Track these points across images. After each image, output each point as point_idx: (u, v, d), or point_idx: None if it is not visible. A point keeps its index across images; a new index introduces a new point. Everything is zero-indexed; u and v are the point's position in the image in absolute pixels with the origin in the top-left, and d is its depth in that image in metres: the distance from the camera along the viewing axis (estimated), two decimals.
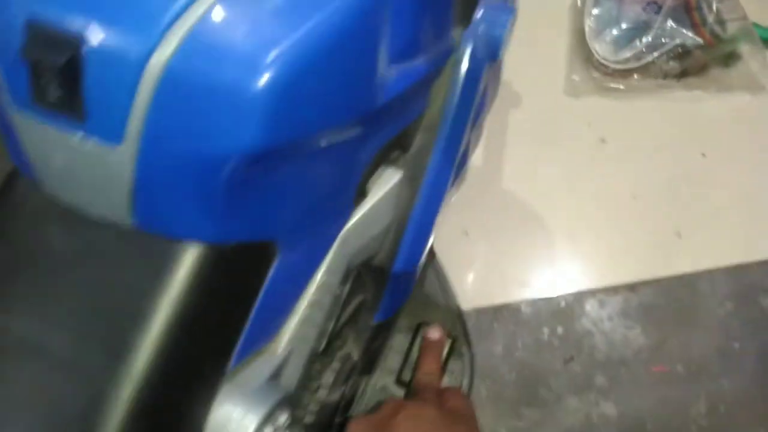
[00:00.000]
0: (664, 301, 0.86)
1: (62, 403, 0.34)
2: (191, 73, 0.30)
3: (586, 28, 0.98)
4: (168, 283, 0.35)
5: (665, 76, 0.97)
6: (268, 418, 0.40)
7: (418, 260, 0.58)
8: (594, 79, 0.98)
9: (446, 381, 0.73)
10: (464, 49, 0.49)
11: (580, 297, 0.87)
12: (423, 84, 0.47)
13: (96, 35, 0.30)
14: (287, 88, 0.31)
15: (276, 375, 0.45)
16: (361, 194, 0.50)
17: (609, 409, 0.82)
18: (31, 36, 0.30)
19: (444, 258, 0.84)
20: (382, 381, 0.73)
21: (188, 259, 0.35)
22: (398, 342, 0.74)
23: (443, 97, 0.51)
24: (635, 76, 0.97)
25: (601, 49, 0.97)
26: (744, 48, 0.97)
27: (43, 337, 0.36)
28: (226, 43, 0.30)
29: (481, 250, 0.89)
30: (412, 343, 0.73)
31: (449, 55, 0.50)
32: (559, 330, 0.86)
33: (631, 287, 0.87)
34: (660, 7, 0.96)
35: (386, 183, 0.51)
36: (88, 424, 0.33)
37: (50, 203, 0.36)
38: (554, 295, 0.87)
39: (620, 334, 0.85)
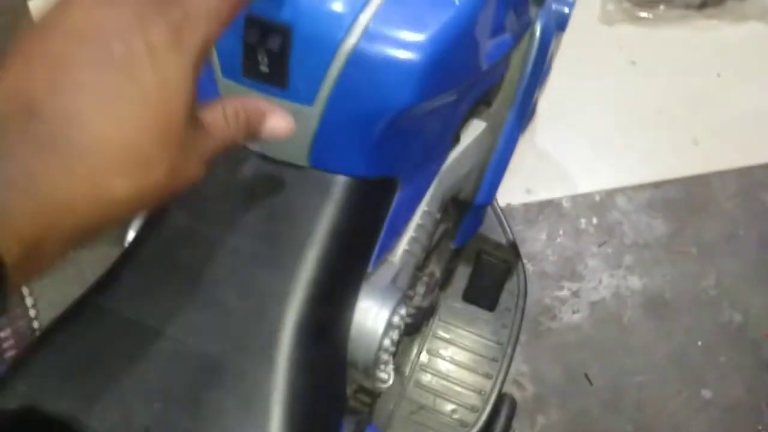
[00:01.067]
0: (682, 196, 1.03)
1: (257, 285, 0.47)
2: (371, 53, 0.43)
3: None
4: (328, 205, 0.49)
5: (687, 6, 1.11)
6: (394, 310, 0.52)
7: (494, 193, 0.72)
8: (625, 9, 1.12)
9: (504, 298, 0.86)
10: (538, 23, 0.63)
11: (612, 193, 1.03)
12: (507, 53, 0.62)
13: (302, 26, 0.43)
14: (435, 62, 0.45)
15: (395, 280, 0.58)
16: (456, 140, 0.64)
17: (634, 282, 0.99)
18: (249, 26, 0.43)
19: None
20: (451, 298, 0.89)
21: (343, 188, 0.50)
22: (463, 268, 0.89)
23: (520, 62, 0.65)
24: (662, 6, 1.11)
25: None
26: None
27: (234, 239, 0.48)
28: (393, 31, 0.43)
29: (528, 155, 1.04)
30: (474, 268, 0.88)
31: (527, 28, 0.64)
32: (594, 220, 1.02)
33: (655, 185, 1.04)
34: None
35: (473, 131, 0.66)
36: (278, 301, 0.46)
37: (241, 151, 0.51)
38: (590, 191, 1.03)
39: (645, 223, 1.02)
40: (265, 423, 0.42)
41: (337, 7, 0.44)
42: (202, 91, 0.50)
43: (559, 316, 0.98)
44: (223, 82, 0.48)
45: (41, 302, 1.08)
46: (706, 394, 0.94)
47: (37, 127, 0.26)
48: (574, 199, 1.04)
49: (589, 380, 0.95)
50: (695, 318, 0.97)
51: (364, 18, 0.44)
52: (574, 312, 0.98)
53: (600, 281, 0.99)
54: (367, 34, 0.44)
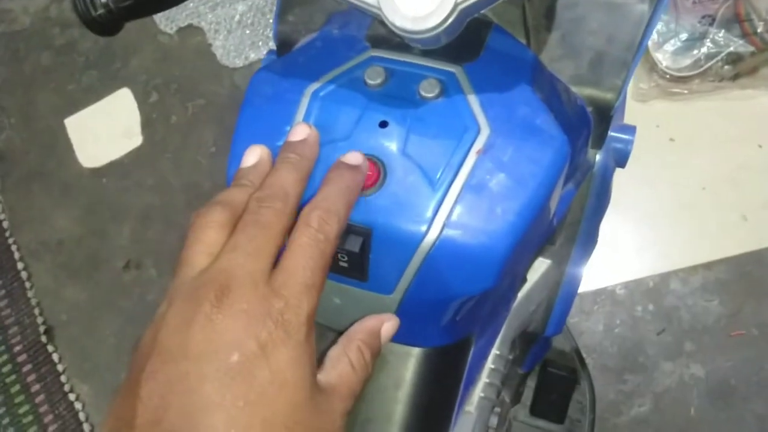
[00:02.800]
0: (736, 276, 1.02)
1: None
2: (448, 251, 0.44)
3: (649, 41, 1.12)
4: (404, 377, 0.50)
5: (721, 78, 1.11)
6: None
7: (563, 325, 0.73)
8: (659, 86, 1.12)
9: (572, 408, 0.85)
10: (598, 165, 0.64)
11: (665, 277, 1.03)
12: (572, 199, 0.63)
13: (382, 227, 0.43)
14: (514, 247, 0.45)
15: (474, 429, 0.59)
16: (523, 281, 0.65)
17: (698, 370, 0.98)
18: None
19: None
20: (520, 413, 0.88)
21: (418, 359, 0.51)
22: (529, 381, 0.89)
23: (581, 198, 0.66)
24: (695, 80, 1.11)
25: (663, 59, 1.11)
26: None
27: None
28: (471, 223, 0.43)
29: None
30: (540, 380, 0.88)
31: (588, 171, 0.65)
32: (650, 306, 1.02)
33: (707, 266, 1.03)
34: (714, 19, 1.10)
35: (539, 269, 0.67)
36: None
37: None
38: (643, 276, 1.03)
39: (701, 306, 1.01)
40: None
41: (415, 206, 0.44)
42: None
43: (625, 411, 0.97)
44: None
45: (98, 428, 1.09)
46: None
47: None
48: (627, 285, 1.03)
49: None
50: (764, 404, 0.95)
51: (443, 214, 0.45)
52: (639, 405, 0.97)
53: (662, 371, 0.98)
54: (446, 229, 0.44)
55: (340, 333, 0.45)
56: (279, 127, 0.46)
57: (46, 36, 1.43)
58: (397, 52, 0.48)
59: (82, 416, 1.10)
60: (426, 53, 0.48)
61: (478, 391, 0.60)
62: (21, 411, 1.10)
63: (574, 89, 0.57)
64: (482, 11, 0.42)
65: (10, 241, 1.23)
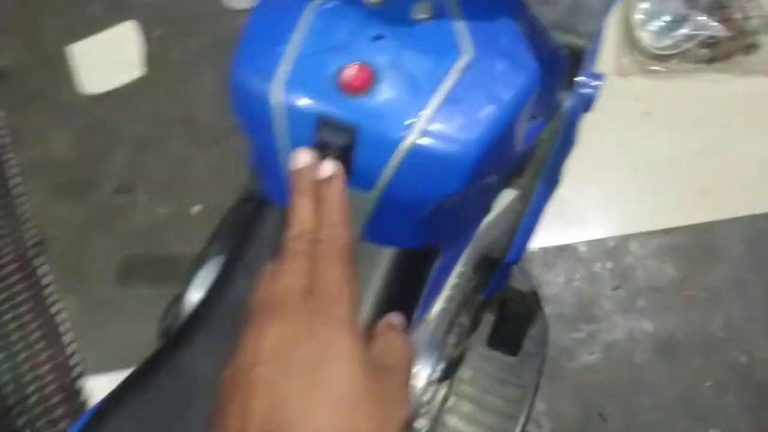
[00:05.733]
0: (692, 243, 1.09)
1: None
2: (426, 149, 0.48)
3: (634, 19, 1.19)
4: (376, 273, 0.55)
5: (698, 61, 1.18)
6: (434, 369, 0.60)
7: (522, 254, 0.79)
8: (639, 63, 1.19)
9: (526, 344, 0.92)
10: (567, 106, 0.70)
11: (625, 239, 1.10)
12: (540, 133, 0.68)
13: (367, 127, 0.48)
14: (482, 156, 0.51)
15: (432, 338, 0.64)
16: (488, 207, 0.71)
17: (647, 325, 1.06)
18: (321, 126, 0.49)
19: None
20: (476, 344, 0.95)
21: (388, 259, 0.56)
22: (487, 315, 0.95)
23: (549, 136, 0.72)
24: (674, 60, 1.18)
25: (646, 37, 1.18)
26: (763, 39, 1.17)
27: None
28: (447, 130, 0.49)
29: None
30: (498, 315, 0.94)
31: (557, 111, 0.70)
32: (609, 264, 1.09)
33: (666, 231, 1.10)
34: (697, 3, 1.17)
35: (506, 199, 0.72)
36: None
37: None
38: (605, 236, 1.10)
39: (657, 268, 1.08)
40: None
41: (400, 109, 0.50)
42: (270, 175, 0.56)
43: (576, 357, 1.04)
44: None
45: (80, 340, 1.14)
46: None
47: None
48: (590, 244, 1.10)
49: (603, 418, 1.01)
50: (704, 359, 1.03)
51: (423, 118, 0.51)
52: (589, 353, 1.05)
53: (614, 324, 1.06)
54: (424, 133, 0.50)
55: None
56: (283, 34, 0.51)
57: None
58: None
59: (62, 329, 1.15)
60: None
61: (440, 303, 0.66)
62: (8, 326, 1.15)
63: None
64: None
65: (8, 156, 1.27)
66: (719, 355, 1.03)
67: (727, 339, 1.04)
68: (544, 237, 1.10)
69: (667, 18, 1.18)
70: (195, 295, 0.63)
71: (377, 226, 0.55)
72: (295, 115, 0.51)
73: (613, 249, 1.10)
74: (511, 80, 0.53)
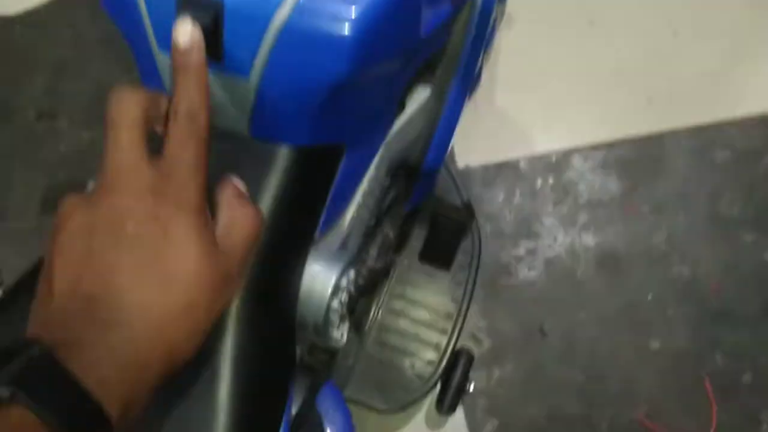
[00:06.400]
0: (636, 156, 1.05)
1: None
2: (302, 26, 0.43)
3: None
4: (271, 174, 0.50)
5: None
6: (342, 273, 0.54)
7: (443, 159, 0.74)
8: None
9: (459, 258, 0.89)
10: None
11: (568, 154, 1.06)
12: (448, 21, 0.62)
13: (232, 2, 0.43)
14: (367, 34, 0.45)
15: (343, 245, 0.60)
16: (401, 107, 0.65)
17: (589, 239, 1.03)
18: (182, 3, 0.43)
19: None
20: (408, 258, 0.91)
21: (286, 157, 0.51)
22: (419, 229, 0.92)
23: (462, 29, 0.66)
24: None
25: None
26: None
27: None
28: (323, 7, 0.44)
29: (485, 117, 1.06)
30: (430, 229, 0.90)
31: None
32: (550, 180, 1.05)
33: (610, 145, 1.06)
34: None
35: (419, 97, 0.67)
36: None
37: None
38: (546, 152, 1.05)
39: (599, 183, 1.05)
40: (213, 382, 0.44)
41: None
42: (143, 65, 0.50)
43: (515, 274, 1.01)
44: (160, 56, 0.48)
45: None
46: (655, 344, 0.98)
47: (102, 313, 0.32)
48: (531, 160, 1.06)
49: (543, 333, 0.99)
50: (646, 273, 1.01)
51: None
52: (529, 269, 1.02)
53: (555, 239, 1.03)
54: (299, 8, 0.44)
55: None
56: None
57: None
58: None
59: None
60: None
61: (351, 210, 0.62)
62: None
63: None
64: None
65: None
66: (661, 268, 1.01)
67: (669, 252, 1.02)
68: (483, 154, 1.05)
69: None
70: None
71: (266, 119, 0.50)
72: None
73: (555, 164, 1.05)
74: None
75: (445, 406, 0.87)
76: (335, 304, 0.55)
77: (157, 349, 0.32)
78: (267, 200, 0.50)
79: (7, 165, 1.15)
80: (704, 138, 1.06)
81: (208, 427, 0.44)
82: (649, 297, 1.00)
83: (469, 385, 0.88)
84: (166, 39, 0.47)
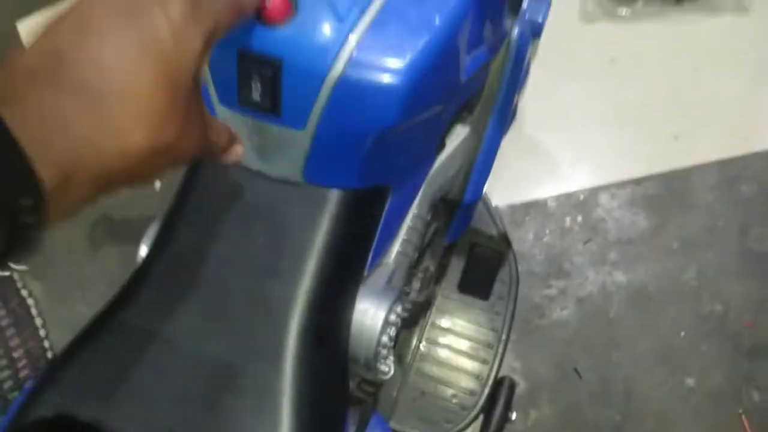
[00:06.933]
0: (664, 192, 1.06)
1: (262, 295, 0.51)
2: (355, 79, 0.46)
3: None
4: (323, 217, 0.52)
5: (665, 2, 1.13)
6: (390, 309, 0.56)
7: (481, 193, 0.76)
8: (604, 7, 1.14)
9: (496, 288, 0.91)
10: (514, 33, 0.66)
11: (595, 191, 1.07)
12: (486, 64, 0.65)
13: (291, 58, 0.46)
14: (415, 83, 0.48)
15: (390, 280, 0.62)
16: (442, 145, 0.67)
17: (619, 277, 1.03)
18: (242, 59, 0.46)
19: None
20: (447, 289, 0.93)
21: (336, 200, 0.53)
22: (456, 261, 0.93)
23: (499, 69, 0.68)
24: (640, 2, 1.13)
25: None
26: None
27: (239, 254, 0.53)
28: (375, 59, 0.46)
29: (511, 157, 1.07)
30: (468, 260, 0.92)
31: (504, 39, 0.66)
32: (579, 218, 1.06)
33: (637, 181, 1.07)
34: None
35: (458, 136, 0.69)
36: (282, 309, 0.50)
37: (242, 172, 0.54)
38: (574, 190, 1.07)
39: (628, 219, 1.06)
40: (276, 420, 0.47)
41: (323, 39, 0.47)
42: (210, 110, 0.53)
43: (547, 314, 1.02)
44: (220, 109, 0.51)
45: (50, 323, 1.12)
46: (690, 382, 0.98)
47: (65, 73, 0.30)
48: (558, 198, 1.07)
49: (578, 374, 0.99)
50: (678, 310, 1.01)
51: (349, 48, 0.47)
52: (562, 309, 1.02)
53: (586, 278, 1.03)
54: (352, 63, 0.47)
55: None
56: None
57: None
58: None
59: (34, 311, 1.13)
60: None
61: (396, 246, 0.64)
62: None
63: None
64: None
65: None
66: (693, 305, 1.01)
67: (700, 288, 1.02)
68: (511, 194, 1.07)
69: None
70: (141, 250, 0.61)
71: (318, 167, 0.52)
72: (216, 48, 0.48)
73: (582, 202, 1.07)
74: (442, 3, 0.49)
75: None
76: (385, 338, 0.57)
77: (114, 137, 0.31)
78: (320, 243, 0.53)
79: None
80: (730, 172, 1.06)
81: None
82: (682, 334, 1.00)
83: (512, 415, 0.89)
84: (226, 94, 0.50)
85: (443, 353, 0.91)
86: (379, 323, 0.56)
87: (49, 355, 1.12)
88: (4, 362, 1.11)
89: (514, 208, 1.07)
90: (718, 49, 1.12)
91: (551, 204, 1.07)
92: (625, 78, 1.11)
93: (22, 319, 1.13)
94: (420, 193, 0.65)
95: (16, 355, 1.12)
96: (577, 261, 1.04)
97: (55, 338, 1.11)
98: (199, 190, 0.57)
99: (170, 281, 0.53)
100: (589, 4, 1.14)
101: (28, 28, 1.32)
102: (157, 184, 1.18)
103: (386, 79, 0.47)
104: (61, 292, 1.15)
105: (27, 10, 1.33)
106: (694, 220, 1.05)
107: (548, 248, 1.05)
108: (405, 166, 0.61)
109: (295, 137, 0.50)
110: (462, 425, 0.88)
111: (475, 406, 0.88)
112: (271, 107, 0.49)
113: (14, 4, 1.34)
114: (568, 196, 1.07)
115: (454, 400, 0.89)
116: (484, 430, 0.88)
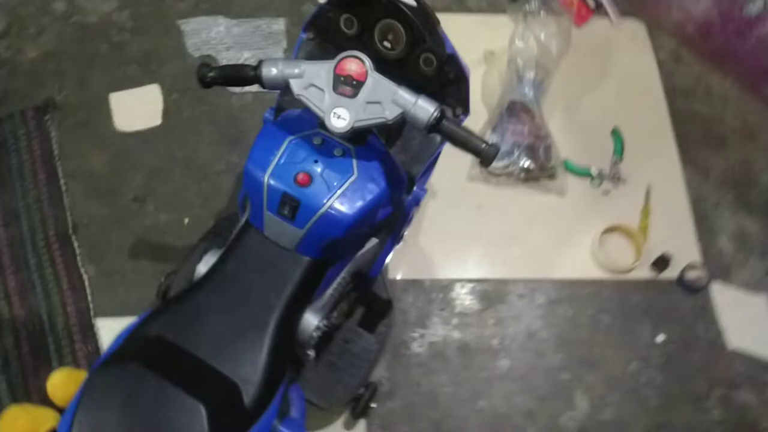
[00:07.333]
0: (492, 290, 1.78)
1: (261, 303, 1.14)
2: (329, 215, 1.10)
3: None
4: (298, 269, 1.16)
5: (517, 179, 1.90)
6: (321, 321, 1.20)
7: (379, 272, 1.44)
8: (482, 174, 1.89)
9: (379, 328, 1.58)
10: (407, 201, 1.36)
11: (454, 281, 1.78)
12: (390, 213, 1.34)
13: (305, 200, 1.10)
14: (353, 221, 1.12)
15: (323, 307, 1.25)
16: (362, 246, 1.34)
17: (456, 334, 1.73)
18: (283, 198, 1.11)
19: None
20: (350, 323, 1.59)
21: (307, 262, 1.17)
22: (360, 308, 1.59)
23: (395, 217, 1.37)
24: (503, 176, 1.89)
25: None
26: (558, 171, 1.91)
27: (249, 284, 1.16)
28: (339, 209, 1.10)
29: (409, 252, 1.78)
30: (366, 308, 1.58)
31: (401, 203, 1.36)
32: (440, 295, 1.76)
33: (479, 281, 1.78)
34: (520, 145, 1.89)
35: (371, 242, 1.36)
36: (266, 317, 1.12)
37: (259, 238, 1.19)
38: (441, 278, 1.78)
39: (468, 302, 1.76)
40: (260, 343, 1.09)
41: (320, 196, 1.14)
42: (254, 214, 1.19)
43: (410, 348, 1.70)
44: (267, 214, 1.18)
45: (97, 297, 1.71)
46: (496, 405, 1.67)
47: None
48: (432, 281, 1.77)
49: (419, 385, 1.67)
50: (484, 359, 1.71)
51: (330, 201, 1.15)
52: (419, 346, 1.71)
53: (436, 331, 1.73)
54: (330, 207, 1.14)
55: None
56: (272, 151, 1.15)
57: (107, 33, 2.07)
58: (328, 132, 1.17)
59: (86, 283, 1.72)
60: (341, 137, 1.18)
61: (329, 290, 1.31)
62: (48, 277, 1.71)
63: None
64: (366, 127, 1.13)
65: (58, 164, 1.85)
66: (493, 358, 1.71)
67: (501, 349, 1.73)
68: (405, 272, 1.77)
69: (504, 148, 1.90)
70: (201, 268, 1.24)
71: (303, 246, 1.20)
72: (272, 190, 1.15)
73: (445, 286, 1.78)
74: (372, 190, 1.19)
75: (356, 413, 1.54)
76: (315, 334, 1.23)
77: None
78: (293, 282, 1.19)
79: (107, 227, 1.81)
80: (531, 287, 1.80)
81: (254, 365, 1.09)
82: (485, 375, 1.70)
83: (372, 404, 1.55)
84: (271, 204, 1.16)
85: (341, 359, 1.55)
86: (313, 326, 1.22)
87: (91, 312, 1.70)
88: (60, 312, 1.69)
89: (405, 281, 1.76)
90: (541, 213, 1.89)
91: (427, 283, 1.77)
92: (487, 219, 1.86)
93: (78, 290, 1.73)
94: (347, 267, 1.32)
95: (69, 309, 1.70)
96: (433, 320, 1.74)
97: (98, 304, 1.70)
98: (243, 238, 1.21)
99: (224, 285, 1.15)
100: (473, 171, 1.90)
101: (116, 99, 1.98)
102: (186, 220, 1.82)
103: (342, 216, 1.14)
104: (107, 275, 1.75)
105: (119, 86, 1.99)
106: (505, 310, 1.77)
107: (418, 309, 1.74)
108: (343, 253, 1.29)
109: (297, 232, 1.15)
110: (343, 402, 1.52)
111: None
112: (291, 218, 1.14)
113: (111, 81, 2.00)
114: (438, 281, 1.77)
115: (344, 386, 1.53)
116: (354, 408, 1.54)
